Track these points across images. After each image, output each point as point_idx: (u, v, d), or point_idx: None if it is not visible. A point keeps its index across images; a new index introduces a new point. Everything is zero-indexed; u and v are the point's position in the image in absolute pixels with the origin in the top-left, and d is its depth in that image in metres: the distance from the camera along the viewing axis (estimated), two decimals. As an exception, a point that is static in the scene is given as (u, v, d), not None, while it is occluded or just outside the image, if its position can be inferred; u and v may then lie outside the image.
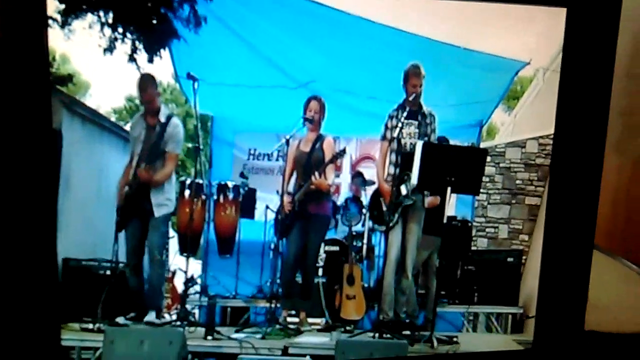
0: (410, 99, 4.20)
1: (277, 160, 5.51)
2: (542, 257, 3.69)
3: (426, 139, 4.20)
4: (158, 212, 4.28)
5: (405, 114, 4.18)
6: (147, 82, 4.34)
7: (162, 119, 4.31)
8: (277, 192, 4.55)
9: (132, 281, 4.29)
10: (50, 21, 3.93)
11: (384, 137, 4.29)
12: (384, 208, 4.27)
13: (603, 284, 3.60)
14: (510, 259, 5.06)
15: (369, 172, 5.27)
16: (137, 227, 4.29)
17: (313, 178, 4.30)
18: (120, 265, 4.37)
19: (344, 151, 4.39)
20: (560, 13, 3.47)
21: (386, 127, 4.28)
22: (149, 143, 4.28)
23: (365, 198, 5.07)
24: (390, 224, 4.19)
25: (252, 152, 5.86)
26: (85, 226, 4.82)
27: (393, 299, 4.25)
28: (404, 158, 4.17)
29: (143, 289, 4.31)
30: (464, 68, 5.02)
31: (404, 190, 4.19)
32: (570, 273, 3.62)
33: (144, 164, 4.25)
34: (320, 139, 4.44)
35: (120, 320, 4.15)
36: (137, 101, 4.63)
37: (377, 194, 4.42)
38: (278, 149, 4.69)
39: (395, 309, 4.28)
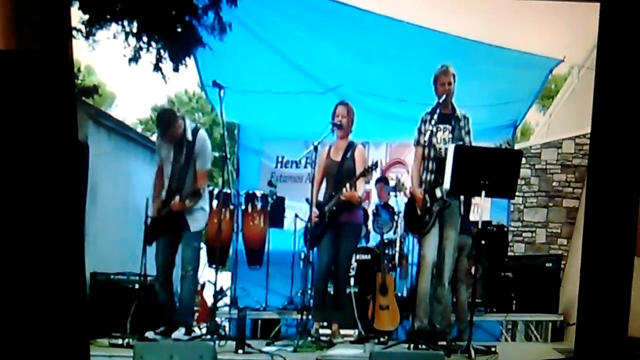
0: (441, 100, 4.10)
1: (305, 167, 5.46)
2: (582, 262, 3.61)
3: (461, 143, 4.09)
4: (194, 228, 4.23)
5: (438, 117, 4.08)
6: (165, 119, 4.26)
7: (189, 135, 4.20)
8: (307, 200, 4.49)
9: (161, 295, 4.24)
10: (74, 32, 3.93)
11: (417, 142, 4.19)
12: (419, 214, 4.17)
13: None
14: (548, 265, 4.95)
15: (401, 177, 5.19)
16: (169, 241, 4.23)
17: (344, 190, 4.22)
18: (149, 278, 4.35)
19: (375, 165, 4.31)
20: (594, 8, 3.40)
21: (419, 132, 4.17)
22: (178, 163, 4.20)
23: (396, 204, 4.98)
24: (424, 230, 4.09)
25: (279, 159, 5.83)
26: (113, 239, 4.83)
27: (428, 307, 4.15)
28: (439, 164, 4.06)
29: (173, 302, 4.27)
30: (496, 67, 4.94)
31: (438, 193, 4.08)
32: (611, 278, 3.53)
33: (175, 187, 4.16)
34: (351, 147, 4.37)
35: (149, 335, 4.11)
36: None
37: (412, 202, 4.30)
38: (306, 156, 4.62)
39: (430, 318, 4.17)
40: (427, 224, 4.10)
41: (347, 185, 4.23)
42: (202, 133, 4.28)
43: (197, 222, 4.25)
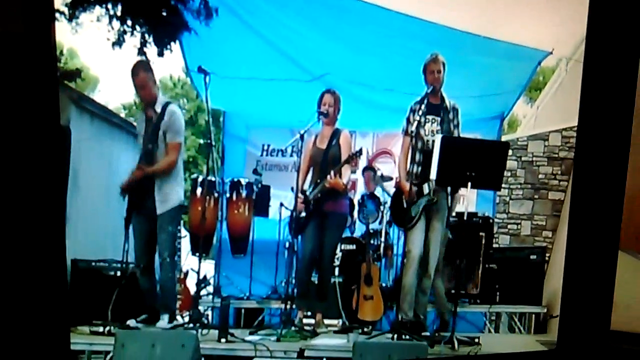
0: (429, 90, 4.09)
1: (291, 156, 5.43)
2: (567, 255, 3.66)
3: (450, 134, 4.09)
4: (161, 208, 4.15)
5: (427, 107, 4.07)
6: (139, 67, 4.20)
7: (158, 108, 4.16)
8: (292, 189, 4.46)
9: (142, 282, 4.20)
10: (57, 14, 3.86)
11: (406, 132, 4.17)
12: (405, 206, 4.15)
13: (629, 283, 3.55)
14: (533, 257, 4.97)
15: (387, 167, 5.17)
16: (143, 224, 4.18)
17: (328, 177, 4.21)
18: (131, 266, 4.30)
19: (360, 152, 4.31)
20: (583, 1, 3.39)
21: (408, 121, 4.17)
22: (147, 136, 4.15)
23: (382, 195, 4.97)
24: (410, 225, 4.08)
25: (265, 148, 5.79)
26: (94, 226, 4.76)
27: (413, 299, 4.15)
28: (427, 156, 4.06)
29: (155, 290, 4.23)
30: (484, 57, 4.91)
31: (426, 189, 4.08)
32: (595, 271, 3.58)
33: (144, 160, 4.14)
34: (336, 133, 4.36)
35: (131, 323, 4.07)
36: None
37: (399, 194, 4.29)
38: (292, 145, 4.59)
39: (415, 309, 4.18)
40: (413, 218, 4.09)
41: (332, 172, 4.21)
42: (172, 106, 4.22)
43: (166, 202, 4.17)
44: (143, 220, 4.18)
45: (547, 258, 5.05)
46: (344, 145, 4.33)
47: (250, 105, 5.51)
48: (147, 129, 4.17)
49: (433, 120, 4.14)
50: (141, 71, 4.18)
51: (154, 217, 4.15)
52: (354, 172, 5.16)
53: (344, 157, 4.29)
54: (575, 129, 3.63)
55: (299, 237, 4.44)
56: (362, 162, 5.60)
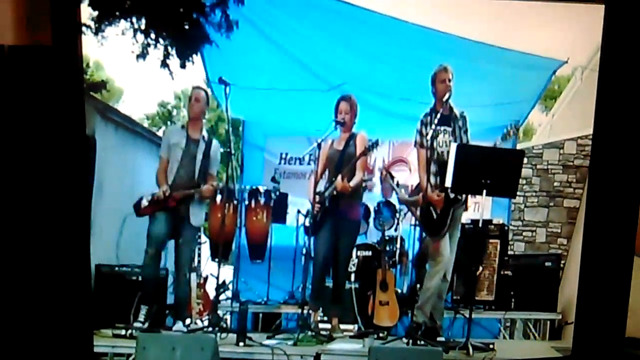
0: (444, 99, 4.11)
1: (308, 164, 5.48)
2: (582, 262, 3.64)
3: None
4: (195, 221, 4.36)
5: (437, 119, 4.08)
6: (201, 96, 4.45)
7: (205, 135, 4.40)
8: (309, 196, 4.51)
9: (147, 269, 4.31)
10: (84, 28, 3.97)
11: (420, 145, 4.18)
12: (435, 217, 4.15)
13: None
14: (548, 264, 4.95)
15: (402, 175, 5.20)
16: (169, 220, 4.32)
17: (339, 178, 4.25)
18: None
19: (376, 143, 4.31)
20: (598, 10, 3.41)
21: (420, 134, 4.17)
22: (189, 156, 4.36)
23: (397, 201, 5.00)
24: (444, 232, 4.10)
25: (283, 156, 5.85)
26: (118, 232, 4.86)
27: (435, 302, 4.18)
28: (443, 167, 4.06)
29: (157, 279, 4.36)
30: (499, 67, 4.93)
31: (451, 194, 4.09)
32: (610, 278, 3.56)
33: (185, 177, 4.34)
34: (353, 136, 4.40)
35: (137, 324, 4.19)
36: (170, 107, 4.66)
37: (427, 205, 4.23)
38: (310, 153, 4.65)
39: (432, 314, 4.21)
40: (446, 225, 4.11)
41: (340, 175, 4.26)
42: (216, 142, 4.47)
43: (198, 216, 4.36)
44: (170, 216, 4.33)
45: (562, 265, 5.03)
46: (360, 145, 4.35)
47: (268, 115, 5.59)
48: (188, 147, 4.38)
49: (445, 131, 4.16)
50: (200, 95, 4.46)
51: (181, 223, 4.34)
52: (369, 179, 5.20)
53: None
54: (591, 137, 3.64)
55: (313, 238, 4.47)
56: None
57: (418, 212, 4.27)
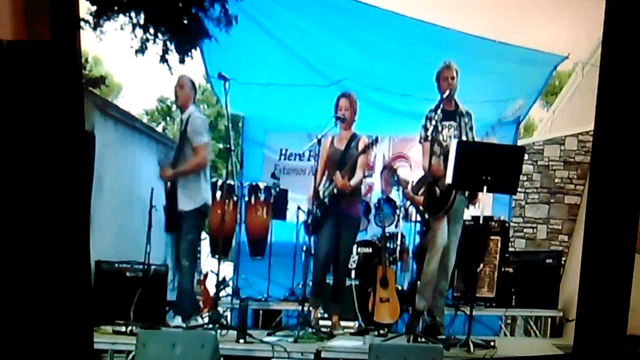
0: (445, 96, 4.11)
1: (308, 160, 5.47)
2: (583, 259, 3.65)
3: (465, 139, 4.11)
4: (182, 205, 4.27)
5: (442, 114, 4.09)
6: (183, 78, 4.38)
7: (184, 116, 4.33)
8: (309, 193, 4.51)
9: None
10: (82, 23, 3.96)
11: (425, 139, 4.17)
12: (437, 194, 4.15)
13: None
14: (549, 261, 4.95)
15: (403, 171, 5.19)
16: (173, 222, 4.32)
17: (338, 176, 4.25)
18: (153, 267, 4.38)
19: (376, 140, 4.32)
20: (599, 5, 3.40)
21: (425, 129, 4.17)
22: (177, 140, 4.34)
23: (398, 198, 5.00)
24: (444, 210, 4.09)
25: (283, 152, 5.84)
26: (117, 228, 4.85)
27: (434, 287, 4.19)
28: (447, 162, 4.05)
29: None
30: (500, 63, 4.92)
31: None
32: (611, 275, 3.56)
33: (174, 160, 4.31)
34: (355, 137, 4.39)
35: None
36: (169, 102, 4.65)
37: (431, 184, 4.23)
38: (310, 149, 4.64)
39: (432, 311, 4.22)
40: (447, 204, 4.10)
41: (339, 173, 4.26)
42: (196, 112, 4.36)
43: (189, 199, 4.28)
44: (172, 217, 4.32)
45: (563, 262, 5.03)
46: (362, 149, 4.37)
47: (268, 110, 5.57)
48: (180, 134, 4.33)
49: (449, 126, 4.17)
50: (184, 80, 4.38)
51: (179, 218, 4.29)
52: (369, 175, 5.21)
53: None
54: (592, 133, 3.64)
55: (314, 236, 4.47)
56: (379, 165, 5.66)
57: (421, 192, 4.26)
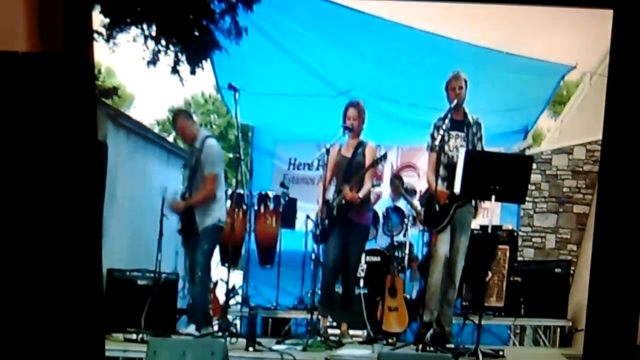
0: (453, 105, 4.11)
1: (317, 169, 5.49)
2: (592, 268, 3.59)
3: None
4: (202, 223, 4.31)
5: (450, 123, 4.08)
6: (178, 115, 4.50)
7: (198, 143, 4.34)
8: (318, 201, 4.52)
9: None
10: (95, 35, 4.00)
11: (431, 148, 4.17)
12: (436, 209, 4.14)
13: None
14: (558, 270, 4.93)
15: (411, 180, 5.21)
16: (189, 238, 4.35)
17: (347, 190, 4.26)
18: (164, 275, 4.41)
19: (384, 156, 4.33)
20: (607, 15, 3.39)
21: (433, 138, 4.15)
22: (190, 168, 4.36)
23: (406, 207, 5.01)
24: (441, 226, 4.09)
25: (292, 161, 5.87)
26: (129, 237, 4.89)
27: (439, 299, 4.16)
28: (452, 171, 4.05)
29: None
30: (508, 73, 4.94)
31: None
32: (621, 284, 3.51)
33: (186, 188, 4.34)
34: (362, 144, 4.39)
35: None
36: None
37: (431, 197, 4.22)
38: (318, 159, 4.67)
39: (440, 320, 4.20)
40: (445, 220, 4.09)
41: (348, 187, 4.25)
42: (210, 140, 4.39)
43: (207, 217, 4.30)
44: (187, 233, 4.34)
45: (572, 271, 5.02)
46: (368, 156, 4.34)
47: (277, 120, 5.62)
48: (190, 159, 4.40)
49: (457, 136, 4.16)
50: (180, 118, 4.47)
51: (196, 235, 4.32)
52: (378, 184, 5.21)
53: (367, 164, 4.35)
54: (600, 142, 3.63)
55: (322, 245, 4.47)
56: (388, 174, 5.67)
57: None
